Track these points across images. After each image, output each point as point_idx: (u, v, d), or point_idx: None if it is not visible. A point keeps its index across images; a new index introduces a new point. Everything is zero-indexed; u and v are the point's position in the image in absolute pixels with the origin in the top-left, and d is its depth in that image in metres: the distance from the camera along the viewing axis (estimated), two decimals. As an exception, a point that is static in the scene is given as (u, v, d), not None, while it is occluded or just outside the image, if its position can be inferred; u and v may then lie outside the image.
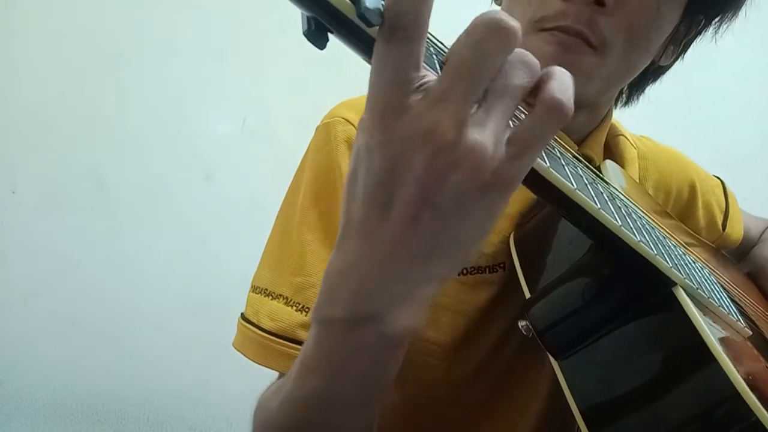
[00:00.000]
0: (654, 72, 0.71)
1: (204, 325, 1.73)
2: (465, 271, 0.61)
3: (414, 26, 0.29)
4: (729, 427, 0.38)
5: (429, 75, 0.30)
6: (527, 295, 0.54)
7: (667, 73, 0.72)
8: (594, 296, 0.47)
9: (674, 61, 0.70)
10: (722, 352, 0.39)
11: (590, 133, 0.68)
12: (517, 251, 0.59)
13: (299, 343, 0.56)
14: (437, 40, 0.34)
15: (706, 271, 0.55)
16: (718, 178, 0.88)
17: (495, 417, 0.66)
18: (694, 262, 0.52)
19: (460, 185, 0.31)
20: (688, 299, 0.42)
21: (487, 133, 0.30)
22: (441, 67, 0.32)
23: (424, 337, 0.61)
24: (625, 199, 0.49)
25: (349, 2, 0.28)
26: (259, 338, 0.57)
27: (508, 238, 0.61)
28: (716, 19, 0.65)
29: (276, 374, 0.59)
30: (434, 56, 0.33)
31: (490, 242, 0.61)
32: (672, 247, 0.49)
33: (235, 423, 1.77)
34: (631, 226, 0.42)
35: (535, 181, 0.36)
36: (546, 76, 0.32)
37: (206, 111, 1.80)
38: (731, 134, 1.78)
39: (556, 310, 0.49)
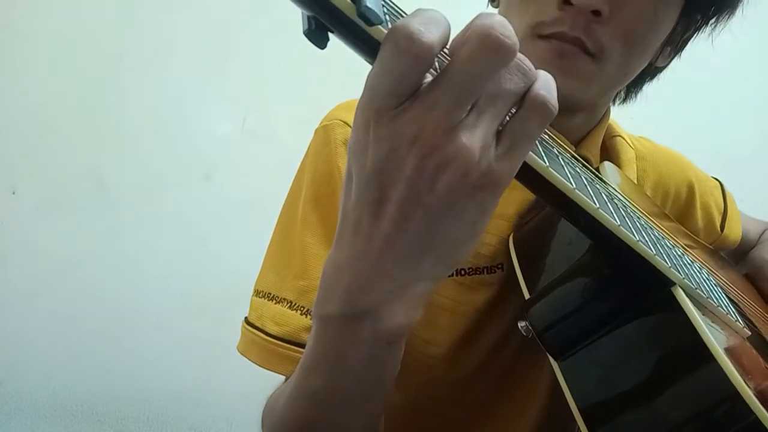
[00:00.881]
0: (651, 72, 0.71)
1: (204, 325, 1.73)
2: (463, 272, 0.61)
3: (432, 50, 0.29)
4: (728, 425, 0.38)
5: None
6: (526, 295, 0.54)
7: (666, 73, 0.72)
8: (593, 296, 0.47)
9: (671, 61, 0.70)
10: (721, 352, 0.39)
11: (587, 134, 0.68)
12: (516, 252, 0.59)
13: (304, 346, 0.56)
14: None
15: (704, 271, 0.56)
16: (717, 179, 0.88)
17: (495, 417, 0.66)
18: (692, 263, 0.53)
19: (450, 186, 0.31)
20: (687, 299, 0.42)
21: (476, 138, 0.31)
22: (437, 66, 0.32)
23: (423, 337, 0.61)
24: (623, 199, 0.49)
25: (350, 1, 0.28)
26: (264, 343, 0.58)
27: (507, 239, 0.61)
28: (713, 19, 0.65)
29: (280, 377, 0.59)
30: None
31: (488, 243, 0.61)
32: (670, 247, 0.49)
33: (235, 423, 1.77)
34: (630, 225, 0.42)
35: (535, 180, 0.36)
36: None
37: (206, 111, 1.80)
38: (730, 135, 1.78)
39: (555, 311, 0.49)
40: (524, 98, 0.32)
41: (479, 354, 0.63)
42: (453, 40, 0.31)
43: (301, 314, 0.57)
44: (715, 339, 0.40)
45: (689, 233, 0.75)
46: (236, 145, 1.80)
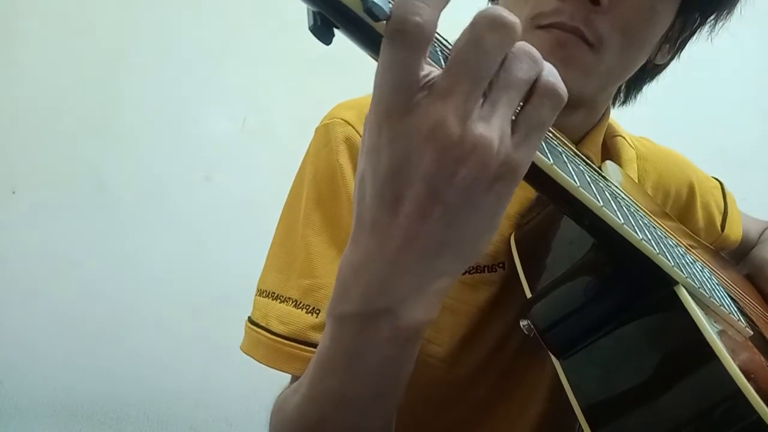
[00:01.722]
0: (651, 71, 0.71)
1: (204, 325, 1.73)
2: (465, 271, 0.61)
3: (421, 30, 0.29)
4: (731, 425, 0.38)
5: (433, 71, 0.31)
6: (528, 294, 0.54)
7: (666, 73, 0.72)
8: (596, 295, 0.47)
9: (670, 60, 0.70)
10: (724, 351, 0.39)
11: (588, 133, 0.68)
12: (517, 251, 0.59)
13: (311, 345, 0.56)
14: (440, 35, 0.35)
15: (706, 270, 0.56)
16: (717, 179, 0.88)
17: (495, 417, 0.66)
18: (694, 262, 0.53)
19: (468, 179, 0.31)
20: (689, 298, 0.42)
21: (492, 127, 0.31)
22: (445, 62, 0.32)
23: (424, 337, 0.61)
24: (626, 198, 0.49)
25: (356, -2, 0.28)
26: (270, 342, 0.57)
27: (508, 237, 0.61)
28: (711, 17, 0.65)
29: (285, 377, 0.59)
30: (438, 52, 0.33)
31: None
32: (673, 246, 0.49)
33: (235, 423, 1.77)
34: (633, 224, 0.42)
35: (539, 177, 0.36)
36: None
37: (206, 111, 1.80)
38: (730, 135, 1.78)
39: (557, 309, 0.49)
40: (535, 86, 0.32)
41: (480, 353, 0.63)
42: (461, 34, 0.31)
43: (306, 312, 0.57)
44: (717, 338, 0.40)
45: (690, 233, 0.75)
46: (236, 145, 1.80)
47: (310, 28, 0.30)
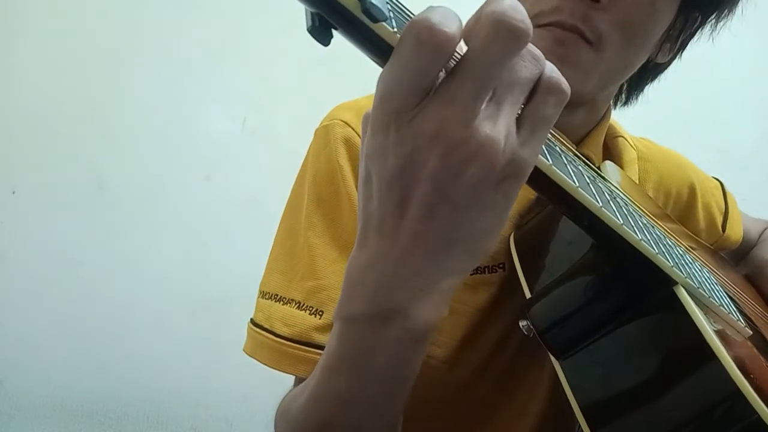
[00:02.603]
0: (652, 70, 0.71)
1: (204, 325, 1.73)
2: None
3: (452, 42, 0.29)
4: (730, 425, 0.38)
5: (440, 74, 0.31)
6: (528, 294, 0.54)
7: (666, 73, 0.72)
8: (595, 295, 0.47)
9: (672, 60, 0.70)
10: (723, 351, 0.39)
11: (589, 133, 0.68)
12: (517, 251, 0.59)
13: (315, 346, 0.56)
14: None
15: (706, 271, 0.56)
16: (718, 179, 0.88)
17: (495, 417, 0.66)
18: (693, 262, 0.53)
19: (475, 178, 0.31)
20: (689, 298, 0.42)
21: (499, 127, 0.31)
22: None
23: None
24: (625, 198, 0.49)
25: (355, -1, 0.28)
26: (274, 343, 0.57)
27: (508, 238, 0.61)
28: (712, 16, 0.65)
29: (286, 377, 0.59)
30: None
31: None
32: (672, 247, 0.49)
33: (235, 423, 1.77)
34: (633, 224, 0.42)
35: (538, 178, 0.36)
36: None
37: (206, 111, 1.80)
38: (730, 135, 1.78)
39: (557, 310, 0.49)
40: (538, 83, 0.32)
41: (480, 354, 0.63)
42: (464, 30, 0.30)
43: (310, 314, 0.57)
44: (716, 338, 0.40)
45: (691, 234, 0.75)
46: (236, 145, 1.80)
47: (308, 29, 0.30)
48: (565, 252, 0.53)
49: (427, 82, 0.30)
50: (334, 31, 0.30)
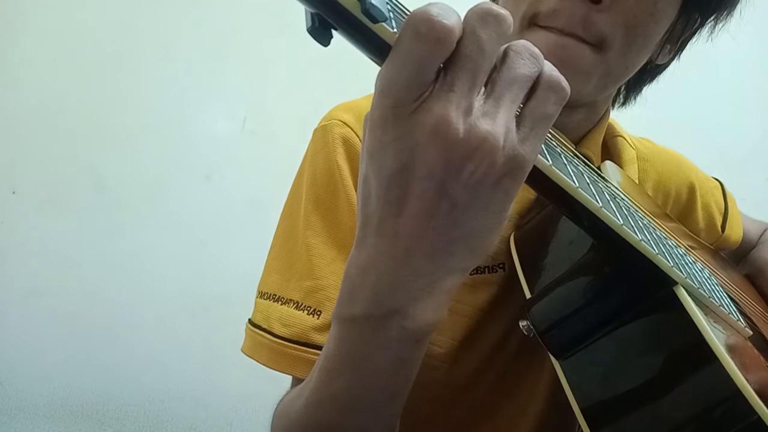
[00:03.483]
0: (651, 71, 0.71)
1: (204, 325, 1.73)
2: None
3: (451, 33, 0.29)
4: (730, 425, 0.38)
5: None
6: (528, 294, 0.54)
7: (665, 73, 0.72)
8: (595, 296, 0.47)
9: (671, 61, 0.69)
10: (723, 351, 0.39)
11: (588, 133, 0.68)
12: (517, 251, 0.59)
13: (313, 346, 0.56)
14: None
15: (706, 271, 0.55)
16: (717, 180, 0.88)
17: (495, 417, 0.66)
18: (694, 262, 0.52)
19: (475, 176, 0.31)
20: (689, 298, 0.42)
21: (498, 124, 0.31)
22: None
23: None
24: (625, 198, 0.49)
25: (354, -1, 0.28)
26: (272, 344, 0.57)
27: (508, 238, 0.61)
28: (711, 18, 0.65)
29: (285, 378, 0.59)
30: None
31: None
32: (672, 247, 0.49)
33: (235, 423, 1.77)
34: (633, 225, 0.42)
35: (537, 178, 0.36)
36: None
37: (206, 111, 1.80)
38: (729, 135, 1.78)
39: (557, 310, 0.49)
40: (538, 81, 0.32)
41: (480, 354, 0.63)
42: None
43: (308, 314, 0.57)
44: (716, 338, 0.40)
45: (691, 234, 0.75)
46: (236, 145, 1.80)
47: (308, 30, 0.30)
48: (566, 252, 0.53)
49: (427, 76, 0.30)
50: (333, 32, 0.30)
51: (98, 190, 1.78)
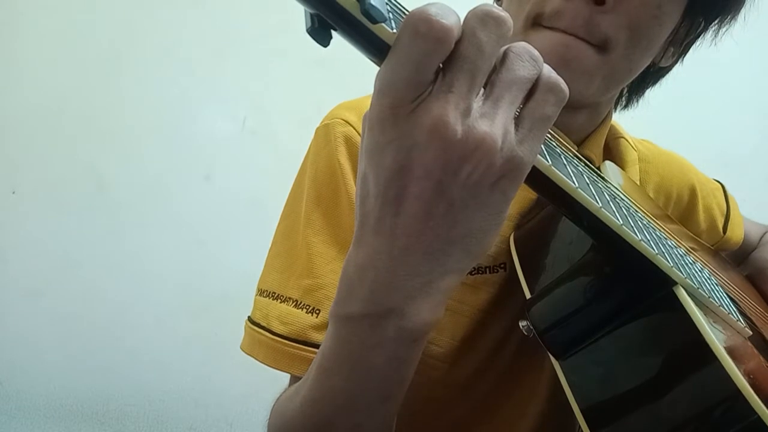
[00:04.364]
0: (654, 74, 0.71)
1: (204, 325, 1.73)
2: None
3: (450, 32, 0.29)
4: (730, 425, 0.38)
5: None
6: (528, 295, 0.54)
7: (667, 74, 0.72)
8: (595, 296, 0.47)
9: (674, 64, 0.69)
10: (723, 352, 0.39)
11: (590, 134, 0.68)
12: (517, 251, 0.59)
13: (311, 345, 0.56)
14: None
15: (706, 271, 0.55)
16: (719, 181, 0.88)
17: (495, 417, 0.66)
18: (694, 263, 0.52)
19: (473, 176, 0.31)
20: (689, 298, 0.42)
21: (496, 125, 0.31)
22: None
23: None
24: (625, 199, 0.49)
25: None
26: (271, 342, 0.57)
27: (509, 238, 0.61)
28: (715, 22, 0.65)
29: (285, 377, 0.59)
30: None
31: None
32: (672, 247, 0.49)
33: (235, 423, 1.77)
34: (632, 225, 0.42)
35: (537, 178, 0.36)
36: None
37: (206, 111, 1.80)
38: (730, 135, 1.79)
39: (556, 310, 0.49)
40: (537, 83, 0.33)
41: (480, 354, 0.63)
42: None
43: (307, 312, 0.57)
44: (716, 338, 0.40)
45: (692, 235, 0.75)
46: (236, 145, 1.80)
47: (307, 30, 0.30)
48: (565, 252, 0.53)
49: (425, 76, 0.30)
50: (333, 32, 0.30)
51: (98, 190, 1.78)
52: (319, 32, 0.29)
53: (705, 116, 1.79)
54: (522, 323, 0.50)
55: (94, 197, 1.78)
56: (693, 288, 0.44)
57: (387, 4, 0.30)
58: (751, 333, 0.50)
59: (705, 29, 0.65)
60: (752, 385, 0.37)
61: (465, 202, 0.33)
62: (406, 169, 0.32)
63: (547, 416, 0.66)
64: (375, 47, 0.30)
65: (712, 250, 0.79)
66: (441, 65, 0.30)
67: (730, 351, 0.40)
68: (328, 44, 0.30)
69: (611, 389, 0.45)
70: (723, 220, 0.84)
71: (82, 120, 1.78)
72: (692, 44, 0.67)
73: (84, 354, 1.77)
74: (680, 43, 0.65)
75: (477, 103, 0.31)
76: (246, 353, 0.61)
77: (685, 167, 0.83)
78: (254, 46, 1.78)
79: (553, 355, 0.48)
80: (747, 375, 0.38)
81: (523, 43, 0.33)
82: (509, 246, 0.60)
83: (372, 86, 0.32)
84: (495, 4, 0.50)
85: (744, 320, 0.51)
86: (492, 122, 0.31)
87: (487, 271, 0.61)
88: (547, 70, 0.33)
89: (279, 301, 0.59)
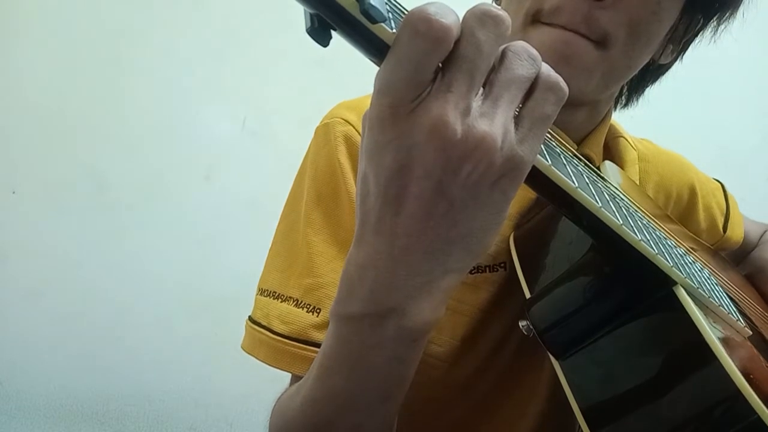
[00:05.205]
0: (653, 72, 0.71)
1: (204, 325, 1.73)
2: None
3: (449, 31, 0.29)
4: (730, 425, 0.38)
5: None
6: (527, 294, 0.54)
7: (666, 73, 0.72)
8: (594, 296, 0.47)
9: (673, 62, 0.69)
10: (723, 351, 0.39)
11: (590, 133, 0.68)
12: (517, 251, 0.59)
13: (312, 344, 0.56)
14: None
15: (706, 271, 0.55)
16: (718, 181, 0.88)
17: (495, 417, 0.66)
18: (694, 263, 0.52)
19: (473, 176, 0.31)
20: (688, 298, 0.42)
21: (496, 124, 0.31)
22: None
23: None
24: (625, 199, 0.49)
25: (353, -1, 0.28)
26: (271, 341, 0.57)
27: (509, 237, 0.61)
28: (713, 19, 0.65)
29: (286, 377, 0.59)
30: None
31: None
32: (672, 247, 0.49)
33: (235, 423, 1.77)
34: (632, 225, 0.42)
35: (537, 178, 0.36)
36: None
37: (206, 111, 1.80)
38: (730, 135, 1.79)
39: (556, 310, 0.49)
40: (537, 82, 0.33)
41: (480, 353, 0.63)
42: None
43: (307, 312, 0.57)
44: (716, 338, 0.40)
45: (692, 235, 0.75)
46: (236, 145, 1.80)
47: (307, 30, 0.30)
48: (565, 252, 0.53)
49: (425, 75, 0.30)
50: (333, 32, 0.30)
51: (98, 190, 1.78)
52: (319, 32, 0.30)
53: (705, 115, 1.78)
54: (522, 323, 0.50)
55: (95, 197, 1.78)
56: (693, 288, 0.44)
57: (386, 3, 0.30)
58: (750, 333, 0.50)
59: (704, 26, 0.65)
60: (752, 385, 0.37)
61: (465, 202, 0.33)
62: (406, 169, 0.32)
63: (547, 416, 0.66)
64: (374, 47, 0.30)
65: (712, 249, 0.79)
66: (440, 65, 0.30)
67: (730, 351, 0.40)
68: (328, 44, 0.30)
69: (611, 389, 0.45)
70: (723, 220, 0.84)
71: (82, 120, 1.78)
72: (691, 41, 0.67)
73: (84, 354, 1.77)
74: (679, 40, 0.65)
75: (476, 103, 0.31)
76: (247, 353, 0.61)
77: (685, 166, 0.83)
78: (254, 46, 1.78)
79: (553, 355, 0.48)
80: (746, 375, 0.38)
81: (521, 42, 0.33)
82: (509, 245, 0.60)
83: (372, 86, 0.32)
84: (493, 3, 0.50)
85: (744, 320, 0.51)
86: (491, 121, 0.31)
87: (487, 270, 0.61)
88: (546, 69, 0.33)
89: (280, 300, 0.59)
